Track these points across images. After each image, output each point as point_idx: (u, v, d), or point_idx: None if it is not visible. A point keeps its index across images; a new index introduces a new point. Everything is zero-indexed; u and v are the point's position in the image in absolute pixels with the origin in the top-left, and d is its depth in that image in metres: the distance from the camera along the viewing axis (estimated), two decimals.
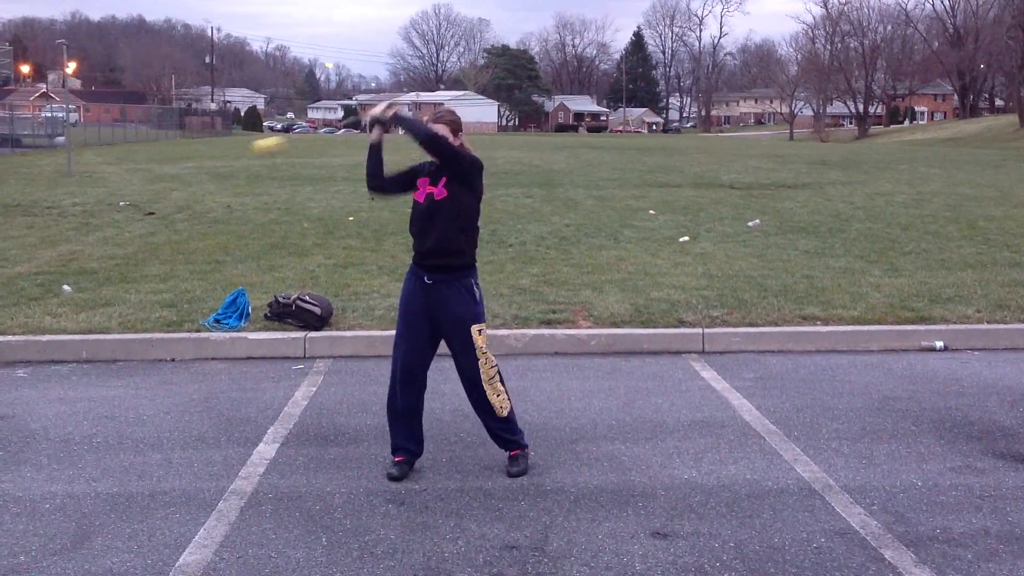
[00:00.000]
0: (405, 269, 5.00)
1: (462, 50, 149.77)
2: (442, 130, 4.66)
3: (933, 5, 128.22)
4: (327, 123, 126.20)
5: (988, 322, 7.77)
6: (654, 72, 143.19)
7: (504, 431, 4.86)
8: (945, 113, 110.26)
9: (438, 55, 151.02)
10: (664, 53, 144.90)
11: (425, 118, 4.82)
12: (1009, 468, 4.96)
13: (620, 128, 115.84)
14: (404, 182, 4.87)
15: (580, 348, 7.34)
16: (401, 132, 4.71)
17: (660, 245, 11.89)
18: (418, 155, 4.72)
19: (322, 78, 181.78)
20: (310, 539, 4.11)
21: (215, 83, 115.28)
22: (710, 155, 39.50)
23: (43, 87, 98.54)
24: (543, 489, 4.66)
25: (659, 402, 6.08)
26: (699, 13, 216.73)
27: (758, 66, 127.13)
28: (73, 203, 17.05)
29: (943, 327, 7.61)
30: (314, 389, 6.35)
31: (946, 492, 4.63)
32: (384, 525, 4.25)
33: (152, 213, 15.44)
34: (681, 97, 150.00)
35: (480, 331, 4.75)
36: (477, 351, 4.74)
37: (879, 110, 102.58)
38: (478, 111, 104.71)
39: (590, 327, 7.56)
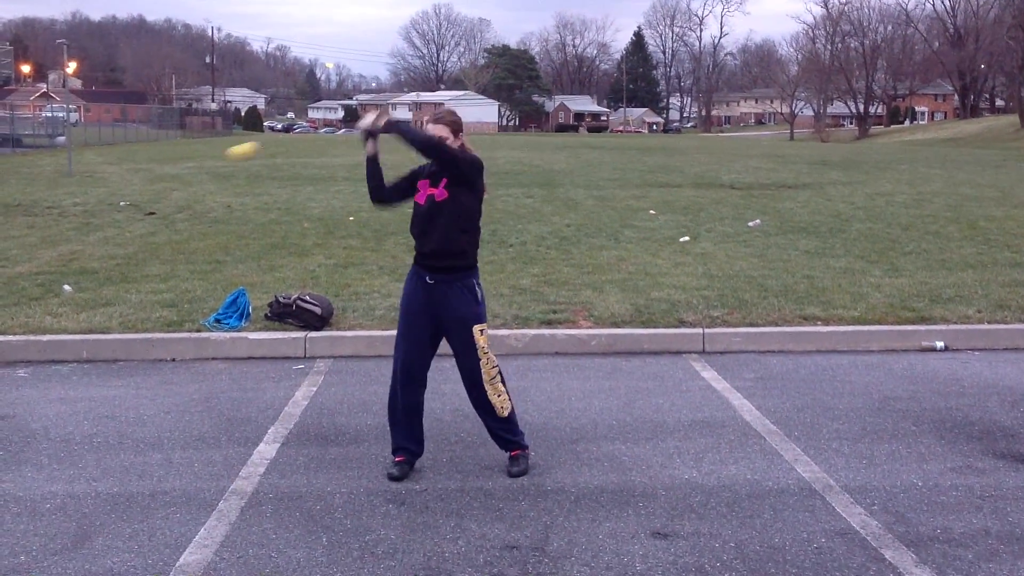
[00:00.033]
0: (406, 269, 5.00)
1: (462, 50, 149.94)
2: (442, 131, 4.65)
3: (933, 5, 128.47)
4: (327, 123, 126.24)
5: (989, 322, 7.77)
6: (654, 72, 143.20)
7: (505, 431, 4.86)
8: (945, 113, 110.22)
9: (438, 55, 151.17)
10: (664, 53, 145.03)
11: (425, 118, 4.82)
12: (1010, 468, 4.96)
13: (620, 128, 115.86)
14: (406, 188, 4.84)
15: (580, 348, 7.34)
16: (404, 142, 4.67)
17: (660, 245, 11.89)
18: (417, 154, 4.71)
19: (322, 78, 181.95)
20: (311, 539, 4.11)
21: (215, 83, 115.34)
22: (710, 155, 39.50)
23: (44, 87, 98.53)
24: (543, 489, 4.66)
25: (659, 402, 6.08)
26: (699, 13, 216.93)
27: (758, 66, 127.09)
28: (74, 203, 17.05)
29: (944, 327, 7.61)
30: (314, 389, 6.35)
31: (947, 492, 4.63)
32: (384, 525, 4.25)
33: (153, 213, 15.44)
34: (681, 97, 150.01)
35: (482, 331, 4.75)
36: (479, 351, 4.74)
37: (879, 110, 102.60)
38: (478, 111, 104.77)
39: (590, 327, 7.56)
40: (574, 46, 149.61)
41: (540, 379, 6.60)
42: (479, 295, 4.79)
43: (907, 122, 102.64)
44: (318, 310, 7.46)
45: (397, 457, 4.85)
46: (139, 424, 5.63)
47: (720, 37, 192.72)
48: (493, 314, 7.52)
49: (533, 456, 5.02)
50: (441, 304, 4.72)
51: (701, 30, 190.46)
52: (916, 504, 4.49)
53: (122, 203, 17.01)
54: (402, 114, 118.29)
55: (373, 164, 4.82)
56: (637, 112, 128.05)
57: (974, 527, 4.24)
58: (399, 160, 5.23)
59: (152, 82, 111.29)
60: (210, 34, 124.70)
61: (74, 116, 55.30)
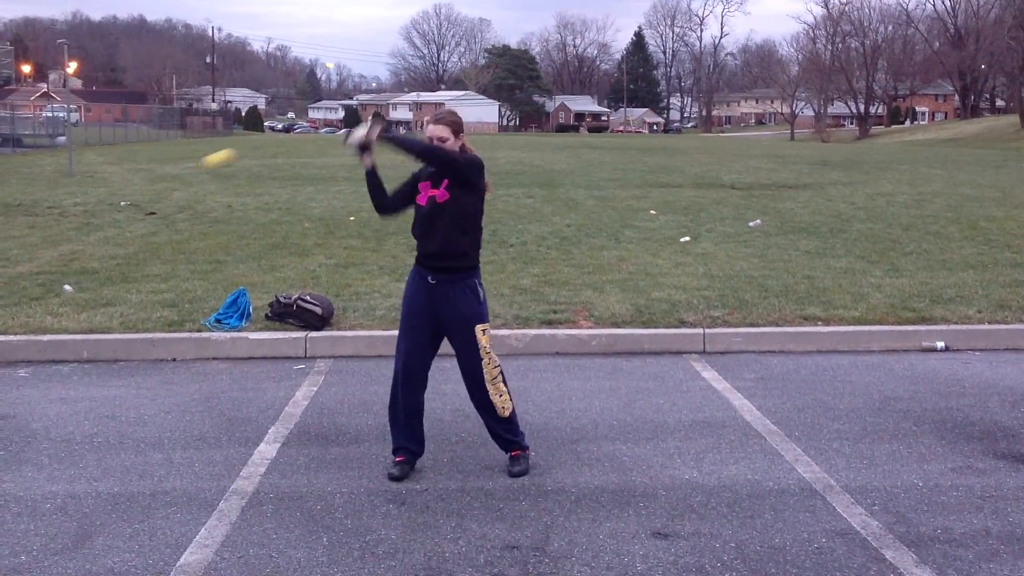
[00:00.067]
0: (406, 269, 5.00)
1: (463, 50, 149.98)
2: (443, 131, 4.64)
3: (934, 5, 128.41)
4: (328, 123, 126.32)
5: (989, 322, 7.77)
6: (655, 72, 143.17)
7: (505, 432, 4.86)
8: (946, 113, 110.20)
9: (439, 55, 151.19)
10: (665, 53, 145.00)
11: (426, 118, 4.80)
12: (1010, 469, 4.96)
13: (621, 128, 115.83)
14: (409, 193, 4.80)
15: (581, 348, 7.34)
16: (401, 152, 4.62)
17: (661, 245, 11.89)
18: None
19: (323, 78, 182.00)
20: (311, 539, 4.11)
21: (216, 83, 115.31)
22: (711, 155, 39.50)
23: (44, 87, 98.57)
24: (544, 489, 4.66)
25: (660, 402, 6.08)
26: (700, 13, 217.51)
27: (759, 66, 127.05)
28: (74, 203, 17.05)
29: (944, 327, 7.61)
30: (315, 389, 6.35)
31: (947, 492, 4.63)
32: (385, 525, 4.25)
33: (153, 213, 15.45)
34: (682, 97, 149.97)
35: (484, 330, 4.75)
36: (481, 351, 4.73)
37: (880, 110, 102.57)
38: (479, 111, 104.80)
39: (591, 327, 7.56)
40: (574, 46, 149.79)
41: (541, 379, 6.60)
42: (481, 295, 4.79)
43: (908, 122, 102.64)
44: (319, 310, 7.46)
45: (398, 457, 4.85)
46: (140, 424, 5.63)
47: (721, 37, 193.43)
48: (494, 314, 7.51)
49: (534, 456, 5.02)
50: (443, 304, 4.72)
51: (702, 30, 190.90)
52: (917, 504, 4.49)
53: (123, 203, 17.02)
54: (402, 114, 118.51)
55: (373, 177, 4.75)
56: (637, 112, 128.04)
57: (975, 527, 4.24)
58: (397, 159, 5.22)
59: (153, 82, 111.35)
60: (211, 34, 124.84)
61: (75, 116, 55.29)
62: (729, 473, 4.87)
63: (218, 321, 7.55)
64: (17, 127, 41.34)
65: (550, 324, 7.60)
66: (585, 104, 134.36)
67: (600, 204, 17.29)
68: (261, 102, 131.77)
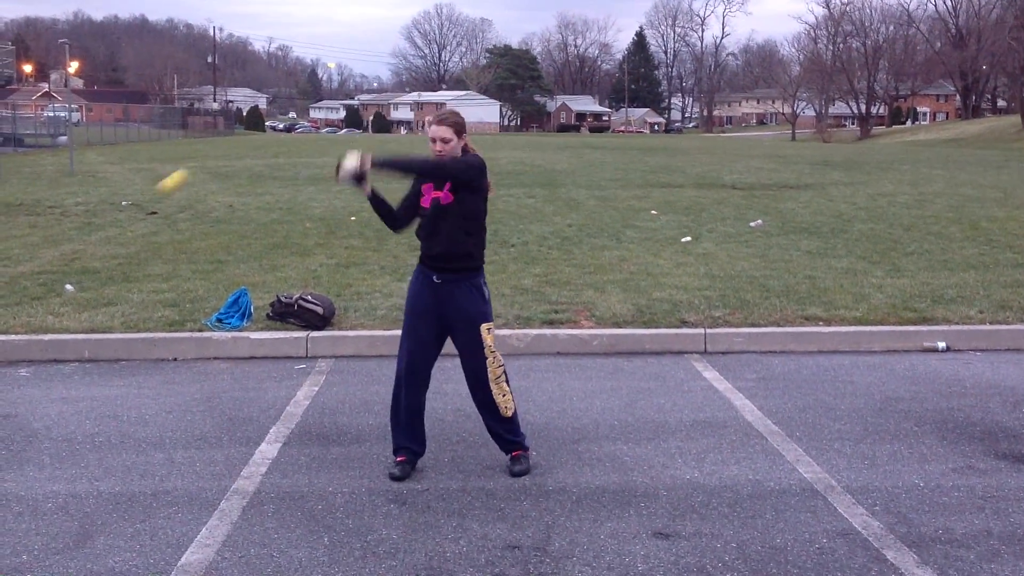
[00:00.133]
0: (407, 269, 5.01)
1: (464, 50, 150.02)
2: (446, 132, 4.64)
3: (935, 6, 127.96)
4: (329, 123, 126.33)
5: (990, 323, 7.77)
6: (656, 72, 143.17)
7: (506, 432, 4.86)
8: (947, 114, 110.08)
9: (440, 55, 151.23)
10: (666, 53, 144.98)
11: (428, 118, 4.80)
12: (1011, 469, 4.95)
13: (622, 128, 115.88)
14: (415, 202, 4.80)
15: (582, 348, 7.34)
16: (399, 174, 4.59)
17: (662, 245, 11.89)
18: (420, 148, 4.70)
19: (324, 78, 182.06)
20: (312, 539, 4.12)
21: (217, 83, 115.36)
22: (712, 155, 39.49)
23: (45, 87, 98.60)
24: (545, 489, 4.66)
25: (661, 402, 6.08)
26: (701, 13, 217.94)
27: (760, 66, 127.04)
28: (76, 203, 17.06)
29: (945, 328, 7.61)
30: (316, 389, 6.35)
31: (948, 493, 4.63)
32: (386, 525, 4.25)
33: (154, 212, 15.45)
34: (683, 97, 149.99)
35: (489, 329, 4.75)
36: (486, 349, 4.73)
37: (881, 111, 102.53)
38: (480, 111, 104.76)
39: (592, 327, 7.56)
40: (576, 46, 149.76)
41: (542, 379, 6.60)
42: (486, 294, 4.80)
43: (909, 122, 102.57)
44: (320, 310, 7.46)
45: (399, 457, 4.85)
46: (141, 424, 5.63)
47: (722, 37, 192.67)
48: (495, 314, 7.50)
49: (535, 456, 5.02)
50: (448, 303, 4.72)
51: (703, 30, 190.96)
52: (918, 505, 4.49)
53: (124, 203, 17.02)
54: (404, 114, 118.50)
55: (376, 201, 4.73)
56: (639, 112, 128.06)
57: (976, 528, 4.24)
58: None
59: (154, 82, 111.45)
60: (212, 34, 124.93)
61: (76, 116, 55.37)
62: (730, 473, 4.87)
63: (219, 321, 7.55)
64: (19, 127, 41.40)
65: (551, 324, 7.60)
66: (586, 104, 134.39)
67: (601, 204, 17.29)
68: (262, 102, 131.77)
